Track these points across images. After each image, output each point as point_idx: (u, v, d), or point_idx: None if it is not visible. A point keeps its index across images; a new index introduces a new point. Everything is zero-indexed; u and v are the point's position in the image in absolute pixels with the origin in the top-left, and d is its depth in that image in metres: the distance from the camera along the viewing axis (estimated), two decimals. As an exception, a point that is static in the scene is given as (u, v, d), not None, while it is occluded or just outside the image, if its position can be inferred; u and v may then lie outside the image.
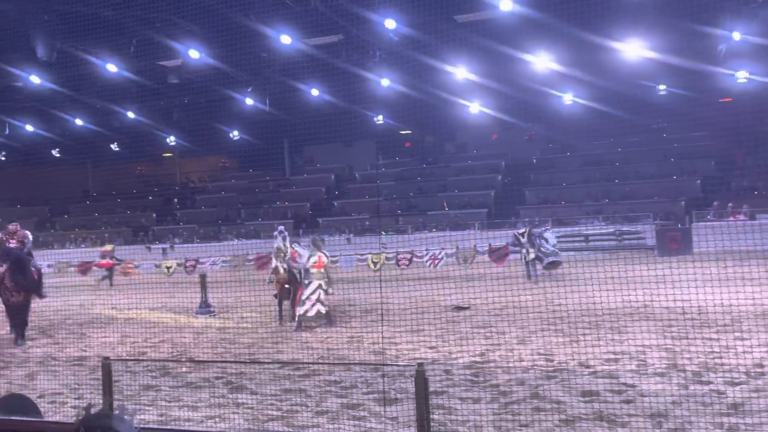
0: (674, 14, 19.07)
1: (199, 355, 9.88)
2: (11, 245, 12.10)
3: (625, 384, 7.55)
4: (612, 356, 8.89)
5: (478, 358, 9.24)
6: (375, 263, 24.76)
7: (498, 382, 7.97)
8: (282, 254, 12.94)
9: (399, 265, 24.35)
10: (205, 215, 38.90)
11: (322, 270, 12.54)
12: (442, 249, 24.06)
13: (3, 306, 12.40)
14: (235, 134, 34.45)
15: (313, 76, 25.19)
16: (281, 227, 13.90)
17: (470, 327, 11.55)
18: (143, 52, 21.03)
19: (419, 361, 5.42)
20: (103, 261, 24.67)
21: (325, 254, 12.83)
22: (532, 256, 18.74)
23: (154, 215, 40.62)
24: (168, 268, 27.44)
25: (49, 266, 27.04)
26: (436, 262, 24.21)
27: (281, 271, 12.86)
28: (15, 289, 11.73)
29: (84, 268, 28.14)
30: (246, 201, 39.50)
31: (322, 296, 12.46)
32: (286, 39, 20.86)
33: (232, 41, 20.08)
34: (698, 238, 22.32)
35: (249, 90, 27.00)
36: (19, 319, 11.96)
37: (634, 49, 22.22)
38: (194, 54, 22.06)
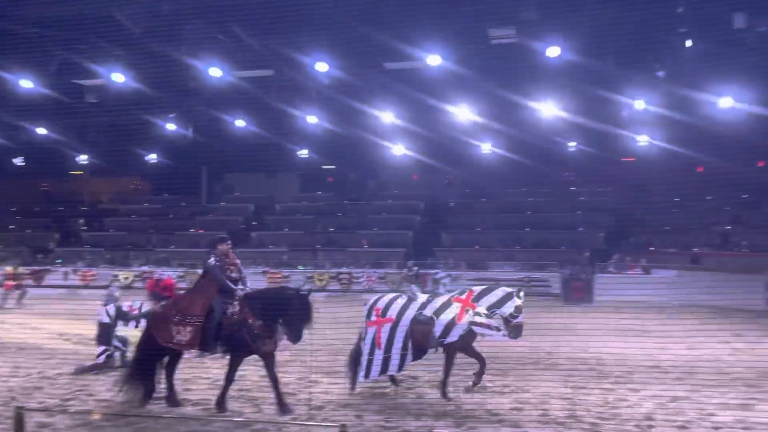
0: (587, 81, 20.65)
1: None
2: (231, 274, 9.54)
3: (528, 434, 7.94)
4: (517, 405, 9.31)
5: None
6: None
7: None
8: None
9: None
10: (114, 238, 37.37)
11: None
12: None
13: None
14: (152, 157, 33.53)
15: (239, 106, 25.15)
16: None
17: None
18: (61, 71, 20.37)
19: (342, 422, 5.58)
20: None
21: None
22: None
23: (57, 236, 38.64)
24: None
25: None
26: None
27: None
28: (268, 334, 9.10)
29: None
30: (158, 226, 38.25)
31: None
32: (216, 71, 20.82)
33: (160, 68, 19.83)
34: (600, 288, 23.75)
35: (172, 116, 26.55)
36: (271, 372, 9.10)
37: (548, 108, 23.92)
38: (118, 77, 21.58)
